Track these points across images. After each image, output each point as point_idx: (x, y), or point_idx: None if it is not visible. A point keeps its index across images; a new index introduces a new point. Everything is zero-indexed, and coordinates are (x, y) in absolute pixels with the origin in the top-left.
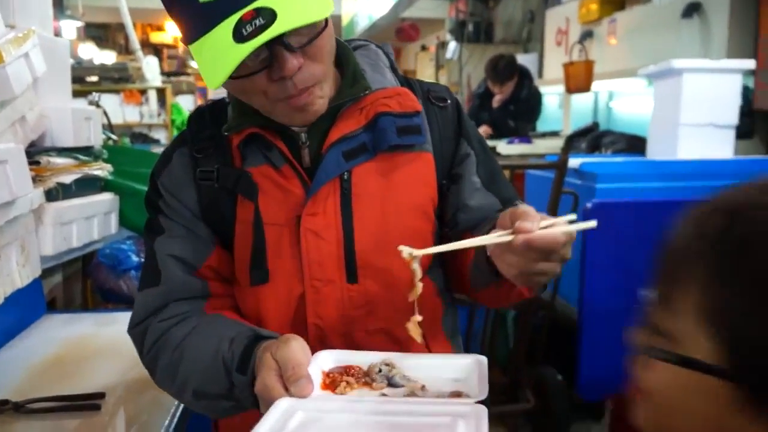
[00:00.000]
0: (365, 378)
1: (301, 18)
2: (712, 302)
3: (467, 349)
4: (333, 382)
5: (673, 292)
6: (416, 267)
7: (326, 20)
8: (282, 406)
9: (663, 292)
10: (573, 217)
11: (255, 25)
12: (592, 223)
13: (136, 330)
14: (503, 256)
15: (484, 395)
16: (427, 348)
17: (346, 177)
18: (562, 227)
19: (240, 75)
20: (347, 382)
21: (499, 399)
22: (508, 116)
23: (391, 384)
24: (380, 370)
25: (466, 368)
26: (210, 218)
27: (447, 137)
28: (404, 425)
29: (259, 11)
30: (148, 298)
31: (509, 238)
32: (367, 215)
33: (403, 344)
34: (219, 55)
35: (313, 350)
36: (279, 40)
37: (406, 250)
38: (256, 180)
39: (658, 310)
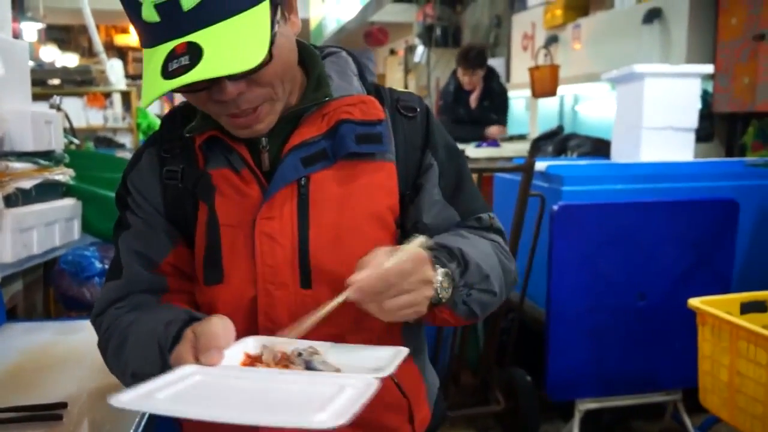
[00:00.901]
0: (285, 361)
1: (224, 67)
2: None
3: (437, 352)
4: (252, 362)
5: None
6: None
7: (270, 53)
8: (184, 370)
9: None
10: (417, 240)
11: (180, 62)
12: (421, 238)
13: (96, 320)
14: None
15: (383, 373)
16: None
17: (303, 183)
18: (390, 262)
19: (183, 91)
20: (266, 363)
21: (469, 401)
22: (489, 111)
23: (309, 368)
24: (300, 354)
25: (386, 358)
26: (174, 217)
27: (413, 147)
28: (288, 391)
29: (189, 47)
30: (110, 289)
31: (344, 296)
32: (323, 222)
33: None
34: (149, 82)
35: None
36: None
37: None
38: (215, 182)
39: None
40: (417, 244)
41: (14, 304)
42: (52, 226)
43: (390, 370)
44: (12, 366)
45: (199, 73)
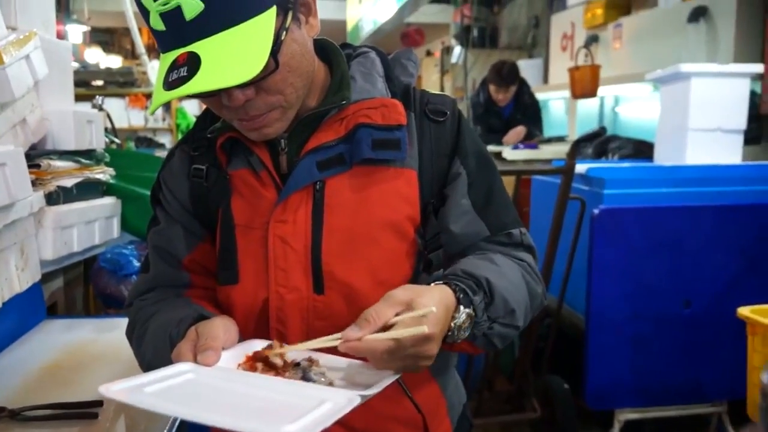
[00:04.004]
0: (281, 368)
1: (217, 81)
2: None
3: (471, 360)
4: (251, 364)
5: None
6: (275, 359)
7: (277, 61)
8: (179, 367)
9: None
10: (426, 311)
11: (179, 73)
12: (422, 329)
13: (126, 310)
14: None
15: (370, 391)
16: (403, 385)
17: (318, 187)
18: (386, 334)
19: (198, 96)
20: (264, 367)
21: (504, 408)
22: (521, 123)
23: (305, 378)
24: (298, 364)
25: (380, 376)
26: (200, 214)
27: (440, 153)
28: (269, 399)
29: (189, 58)
30: (139, 282)
31: (336, 343)
32: (336, 227)
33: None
34: (155, 91)
35: None
36: None
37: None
38: (235, 182)
39: None
40: (422, 327)
41: (54, 301)
42: (92, 225)
43: (377, 389)
44: (50, 363)
45: (193, 86)
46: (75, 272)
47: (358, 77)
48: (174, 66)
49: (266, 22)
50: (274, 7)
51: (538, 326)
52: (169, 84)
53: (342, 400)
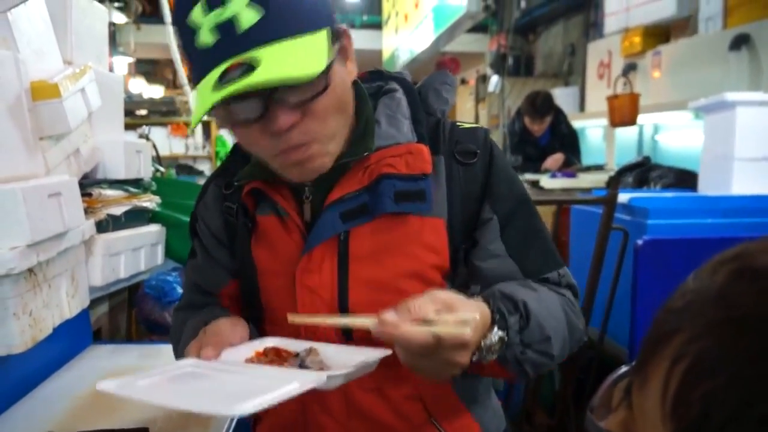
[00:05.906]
0: (280, 359)
1: (278, 73)
2: (678, 381)
3: (510, 391)
4: (257, 358)
5: (650, 358)
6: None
7: (327, 82)
8: (180, 363)
9: (642, 357)
10: (469, 317)
11: (235, 75)
12: (465, 331)
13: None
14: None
15: (338, 372)
16: (432, 418)
17: (342, 238)
18: (427, 327)
19: (235, 123)
20: (270, 360)
21: None
22: (563, 152)
23: (302, 366)
24: (298, 354)
25: (374, 359)
26: (233, 248)
27: (470, 198)
28: (248, 383)
29: (244, 64)
30: (177, 316)
31: (370, 324)
32: (363, 277)
33: (395, 404)
34: (199, 100)
35: (311, 398)
36: (272, 95)
37: None
38: (262, 227)
39: (635, 380)
40: (461, 329)
41: (99, 326)
42: (138, 252)
43: (350, 369)
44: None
45: (253, 78)
46: (119, 298)
47: (383, 121)
48: (226, 72)
49: (321, 39)
50: (327, 29)
51: (579, 358)
52: (222, 85)
53: (309, 379)
